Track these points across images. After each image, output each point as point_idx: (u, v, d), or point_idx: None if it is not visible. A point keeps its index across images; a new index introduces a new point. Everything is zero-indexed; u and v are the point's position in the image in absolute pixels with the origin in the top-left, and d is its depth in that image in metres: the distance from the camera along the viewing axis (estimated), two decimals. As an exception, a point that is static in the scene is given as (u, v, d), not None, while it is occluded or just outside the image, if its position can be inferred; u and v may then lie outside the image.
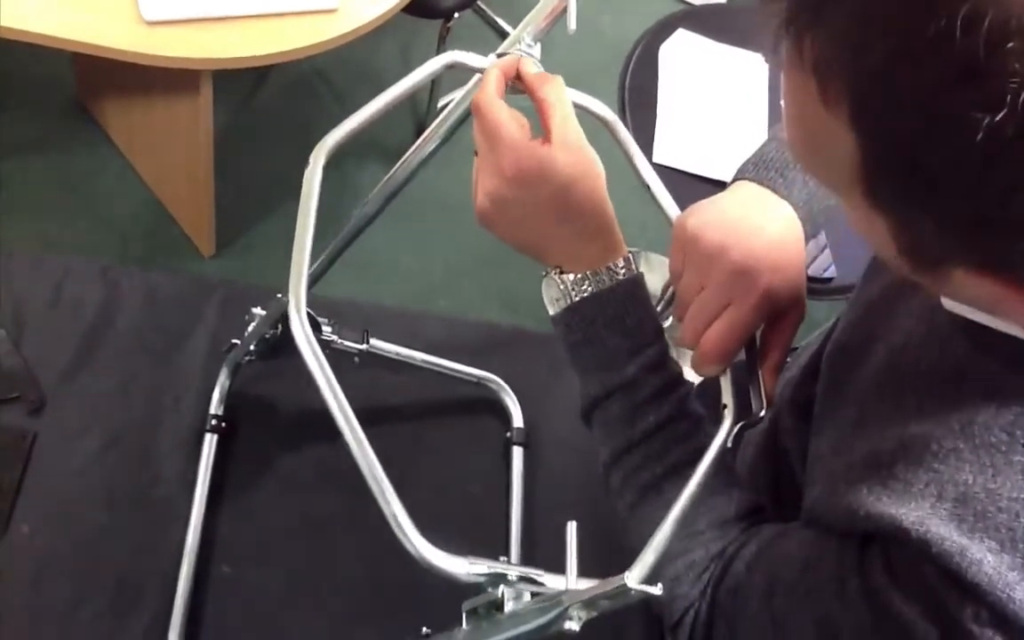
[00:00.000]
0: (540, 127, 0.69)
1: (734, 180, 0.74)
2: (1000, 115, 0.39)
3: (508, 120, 0.67)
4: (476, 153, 0.70)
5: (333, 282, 1.01)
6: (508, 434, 1.17)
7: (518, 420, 1.17)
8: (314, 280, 0.97)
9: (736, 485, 0.73)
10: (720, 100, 1.73)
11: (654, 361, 0.71)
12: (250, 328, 1.05)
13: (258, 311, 1.04)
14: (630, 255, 0.72)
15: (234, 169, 2.28)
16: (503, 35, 2.77)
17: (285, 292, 0.60)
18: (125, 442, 1.08)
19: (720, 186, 0.74)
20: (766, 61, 1.75)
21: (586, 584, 0.54)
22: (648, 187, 0.77)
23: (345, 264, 0.98)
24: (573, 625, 0.53)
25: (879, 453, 0.57)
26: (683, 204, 0.74)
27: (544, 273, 0.72)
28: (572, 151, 0.67)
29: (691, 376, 0.73)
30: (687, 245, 0.69)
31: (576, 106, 0.71)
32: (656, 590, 0.52)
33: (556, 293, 0.71)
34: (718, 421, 0.68)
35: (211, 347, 1.15)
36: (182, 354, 1.15)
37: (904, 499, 0.53)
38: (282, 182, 2.34)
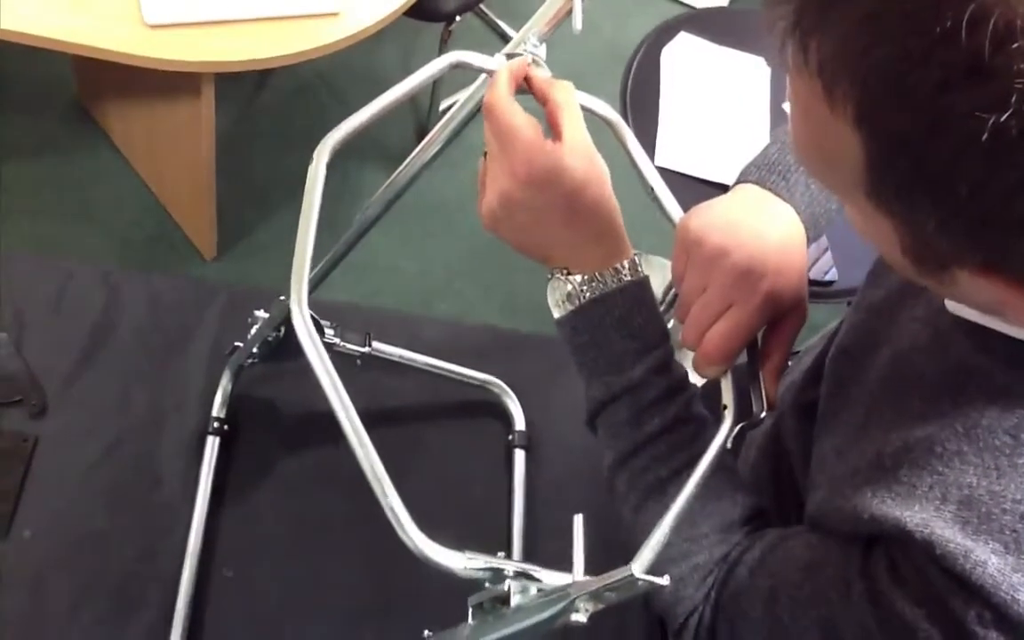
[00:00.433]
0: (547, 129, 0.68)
1: (737, 183, 0.74)
2: (1005, 115, 0.39)
3: (524, 122, 0.66)
4: (484, 154, 0.69)
5: (334, 285, 1.01)
6: (510, 437, 1.16)
7: (520, 423, 1.17)
8: (316, 284, 0.97)
9: (740, 489, 0.73)
10: (722, 103, 1.73)
11: (661, 363, 0.71)
12: (252, 331, 1.05)
13: (260, 314, 1.04)
14: (635, 258, 0.72)
15: (236, 172, 2.28)
16: (505, 39, 2.78)
17: (287, 294, 0.59)
18: (127, 445, 1.08)
19: (722, 189, 0.74)
20: (769, 64, 1.76)
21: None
22: (652, 190, 0.77)
23: (346, 268, 0.98)
24: (580, 617, 0.53)
25: (883, 456, 0.57)
26: (686, 207, 0.74)
27: (549, 275, 0.72)
28: (582, 154, 0.67)
29: (692, 377, 0.73)
30: (690, 247, 0.69)
31: (582, 108, 0.71)
32: (662, 580, 0.51)
33: (562, 295, 0.71)
34: (719, 422, 0.68)
35: (213, 350, 1.15)
36: (184, 357, 1.15)
37: (908, 502, 0.53)
38: (284, 185, 2.35)
